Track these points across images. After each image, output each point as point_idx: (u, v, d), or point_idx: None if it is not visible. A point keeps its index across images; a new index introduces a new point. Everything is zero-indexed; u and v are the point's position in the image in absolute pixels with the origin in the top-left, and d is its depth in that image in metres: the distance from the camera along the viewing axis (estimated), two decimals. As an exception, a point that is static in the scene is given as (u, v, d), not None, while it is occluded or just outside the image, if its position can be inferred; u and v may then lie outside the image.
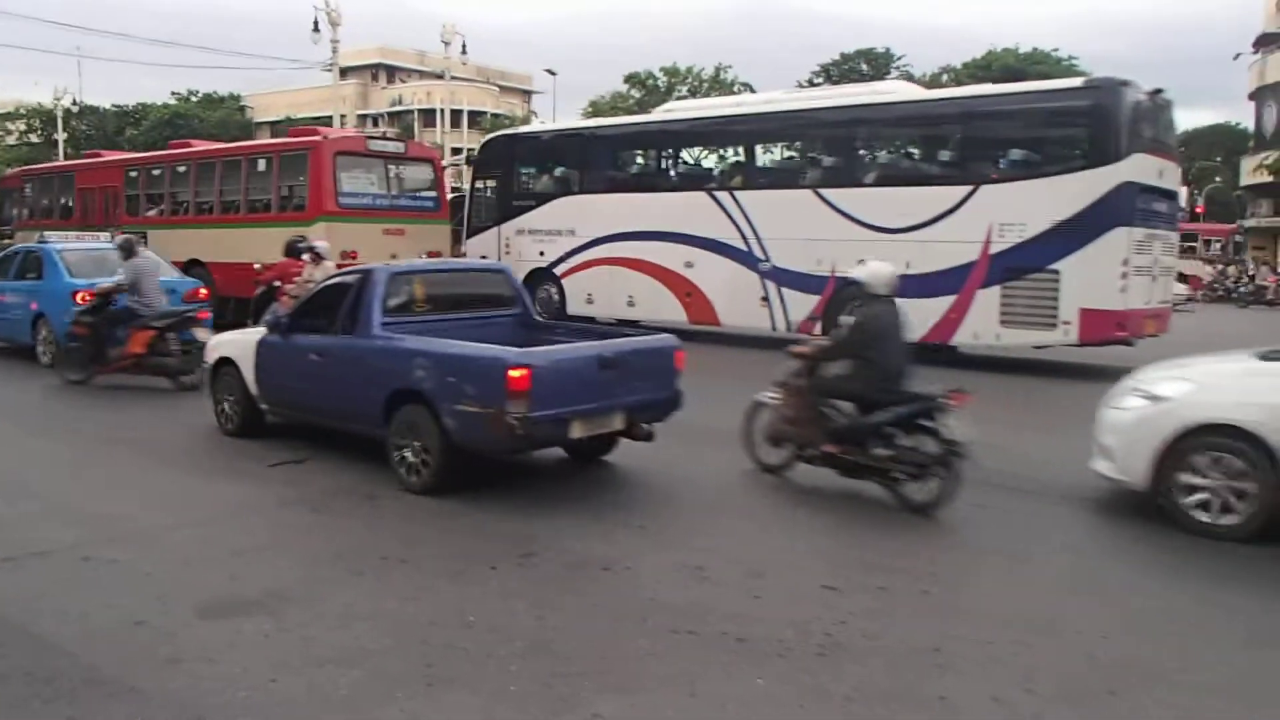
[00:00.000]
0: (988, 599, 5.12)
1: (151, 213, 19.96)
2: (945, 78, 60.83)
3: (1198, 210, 43.91)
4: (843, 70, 64.51)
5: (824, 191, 14.38)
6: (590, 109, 71.04)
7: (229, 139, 61.00)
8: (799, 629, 4.53)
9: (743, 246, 15.28)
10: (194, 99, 70.41)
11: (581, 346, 7.37)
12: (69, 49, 68.37)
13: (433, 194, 18.38)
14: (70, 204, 22.44)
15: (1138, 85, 12.79)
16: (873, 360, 6.74)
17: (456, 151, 46.48)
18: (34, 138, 67.84)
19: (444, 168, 18.94)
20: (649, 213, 16.37)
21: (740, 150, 16.73)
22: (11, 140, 69.92)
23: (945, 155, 14.17)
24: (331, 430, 8.12)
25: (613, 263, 16.78)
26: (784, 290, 14.94)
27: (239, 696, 3.85)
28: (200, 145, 21.81)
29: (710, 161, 17.34)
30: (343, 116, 43.36)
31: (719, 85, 70.48)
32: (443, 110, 59.29)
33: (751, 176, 16.01)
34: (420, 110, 69.65)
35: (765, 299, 15.15)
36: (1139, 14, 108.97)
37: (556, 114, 62.53)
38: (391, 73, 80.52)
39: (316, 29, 34.35)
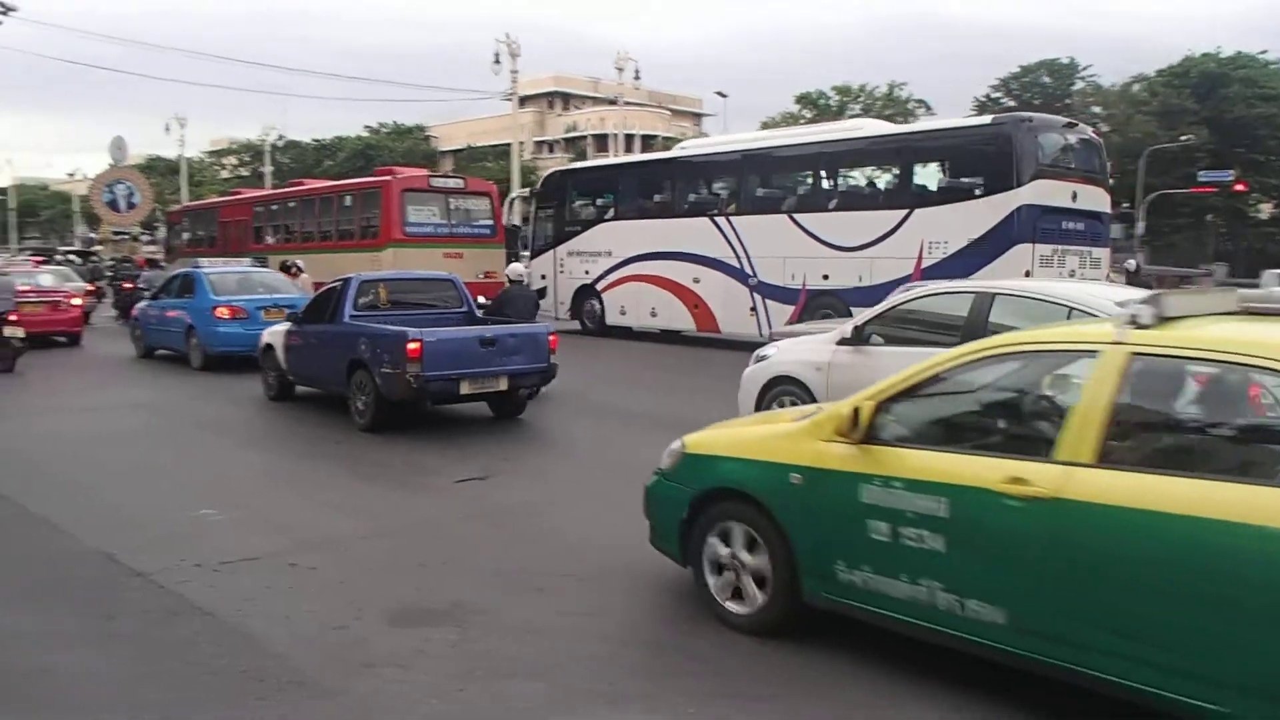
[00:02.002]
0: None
1: (271, 240, 23.85)
2: (1137, 87, 57.51)
3: None
4: (1023, 83, 62.00)
5: (796, 216, 16.77)
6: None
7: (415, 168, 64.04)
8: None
9: (736, 264, 17.62)
10: (384, 130, 74.53)
11: (468, 329, 10.49)
12: (275, 88, 73.56)
13: (489, 222, 21.42)
14: (214, 235, 26.63)
15: (1047, 121, 15.80)
16: (509, 315, 11.65)
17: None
18: (244, 171, 73.42)
19: (500, 199, 22.12)
20: (666, 236, 18.96)
21: (733, 181, 18.84)
22: (225, 174, 75.88)
23: (888, 184, 16.86)
24: (508, 451, 8.49)
25: (639, 279, 19.45)
26: (768, 301, 17.07)
27: (428, 704, 4.01)
28: (310, 184, 26.19)
29: (712, 191, 19.37)
30: (521, 143, 44.89)
31: (892, 103, 69.05)
32: (615, 135, 60.56)
33: (742, 204, 18.14)
34: (594, 135, 71.34)
35: (754, 309, 17.36)
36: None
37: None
38: (567, 100, 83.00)
39: (497, 61, 35.70)
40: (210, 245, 25.81)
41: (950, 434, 4.48)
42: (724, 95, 55.58)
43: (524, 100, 52.94)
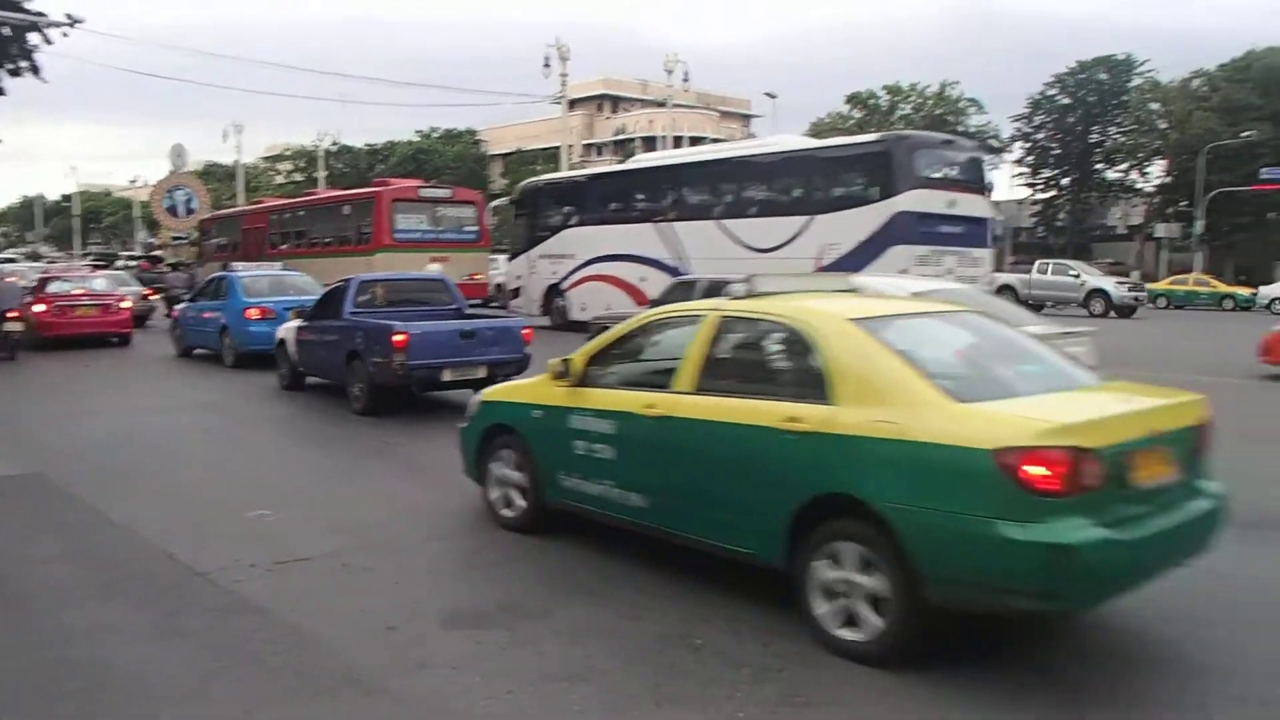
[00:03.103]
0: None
1: (284, 246, 25.64)
2: (1197, 83, 56.20)
3: None
4: (1079, 80, 60.90)
5: (724, 222, 18.92)
6: (811, 132, 70.62)
7: (465, 171, 64.69)
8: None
9: (676, 264, 19.43)
10: (435, 135, 75.31)
11: (451, 323, 11.56)
12: (332, 94, 74.79)
13: (475, 228, 23.45)
14: (238, 240, 28.55)
15: (925, 138, 18.75)
16: None
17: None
18: (298, 176, 74.64)
19: (501, 205, 24.61)
20: (620, 240, 21.09)
21: (673, 191, 20.84)
22: (280, 179, 77.17)
23: (795, 193, 18.51)
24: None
25: (598, 279, 21.44)
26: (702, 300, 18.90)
27: (480, 704, 4.06)
28: (319, 194, 28.83)
29: (656, 200, 21.19)
30: (570, 147, 45.10)
31: (944, 102, 68.28)
32: (664, 137, 60.65)
33: (680, 211, 20.30)
34: (642, 138, 71.45)
35: None
36: None
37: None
38: (615, 102, 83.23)
39: (547, 64, 35.92)
40: (234, 250, 27.64)
41: (623, 376, 5.99)
42: (773, 96, 55.42)
43: (573, 103, 53.20)
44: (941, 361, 4.90)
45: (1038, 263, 36.14)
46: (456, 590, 5.53)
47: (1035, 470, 3.95)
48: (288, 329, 13.35)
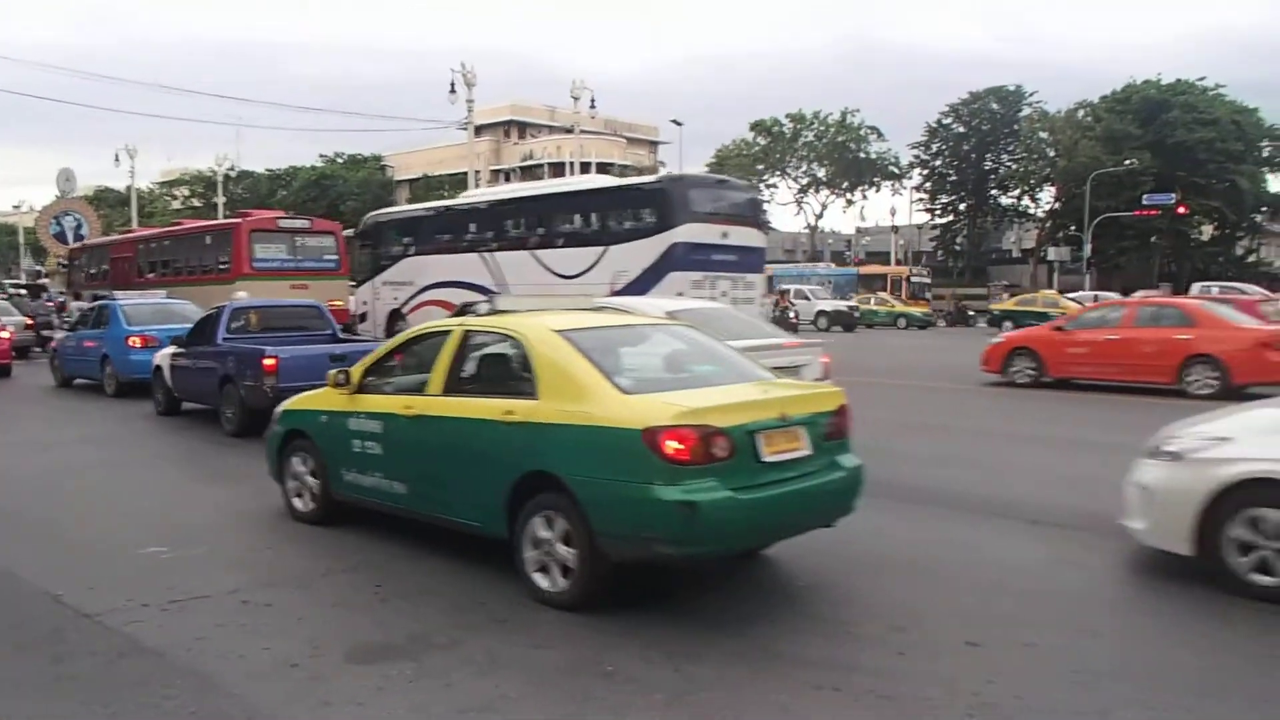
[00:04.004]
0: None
1: (151, 275, 26.26)
2: (1082, 113, 58.80)
3: None
4: (972, 109, 63.17)
5: (536, 252, 20.80)
6: (716, 159, 71.64)
7: (371, 198, 63.83)
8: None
9: (498, 290, 20.28)
10: (339, 161, 74.11)
11: (320, 347, 12.15)
12: (229, 118, 72.98)
13: (335, 257, 24.45)
14: (108, 269, 28.98)
15: (699, 178, 21.63)
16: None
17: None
18: (196, 202, 72.53)
19: (344, 236, 25.53)
20: (450, 268, 22.74)
21: (494, 224, 22.55)
22: (177, 205, 74.89)
23: (594, 226, 20.32)
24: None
25: (432, 304, 22.68)
26: None
27: (387, 741, 3.94)
28: (188, 224, 29.45)
29: (480, 232, 22.84)
30: (476, 172, 44.85)
31: (845, 129, 70.03)
32: (572, 163, 60.81)
33: (500, 242, 22.02)
34: (550, 164, 71.53)
35: None
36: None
37: (683, 163, 63.20)
38: (523, 129, 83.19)
39: (453, 90, 35.71)
40: (104, 279, 28.22)
41: (391, 383, 6.98)
42: (679, 123, 56.17)
43: (480, 129, 53.02)
44: (625, 363, 5.98)
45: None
46: (362, 623, 5.37)
47: (672, 444, 4.97)
48: (163, 355, 13.80)
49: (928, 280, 51.90)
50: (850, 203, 72.92)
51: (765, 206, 20.67)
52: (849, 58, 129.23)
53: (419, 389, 6.51)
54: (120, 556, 6.70)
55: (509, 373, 6.09)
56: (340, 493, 7.19)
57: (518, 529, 5.65)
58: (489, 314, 6.72)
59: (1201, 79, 56.85)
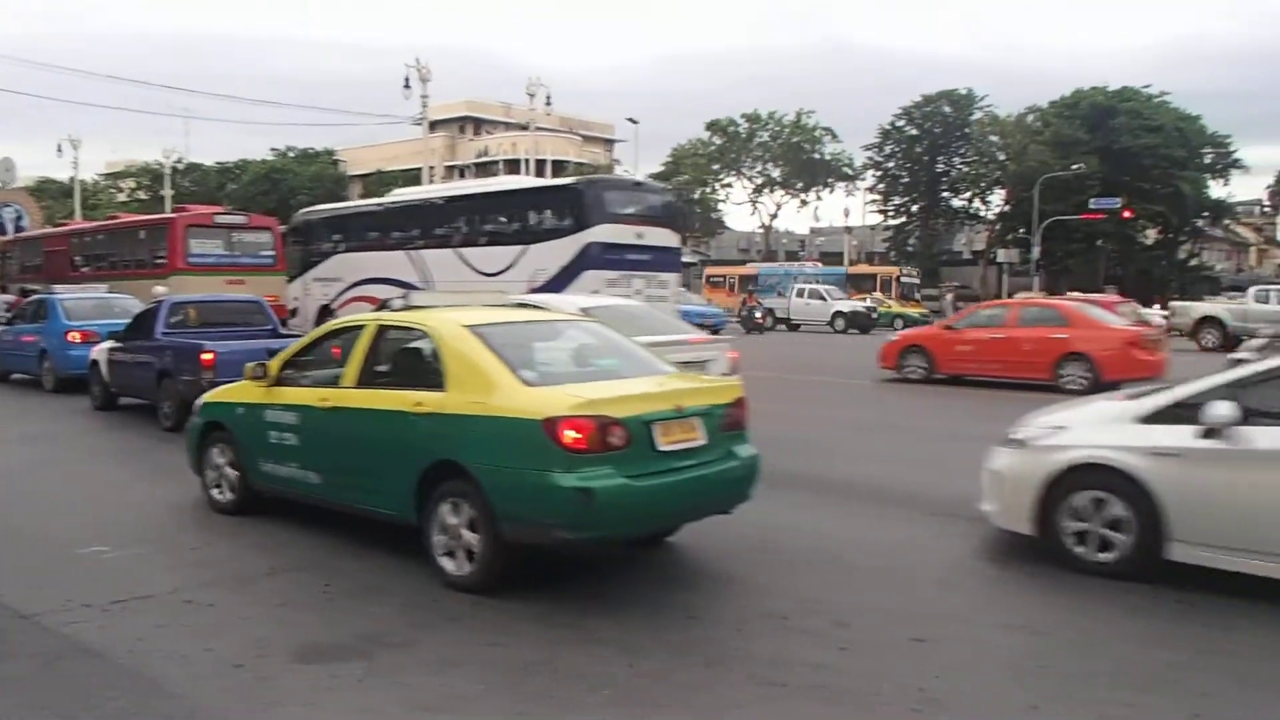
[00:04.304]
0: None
1: (86, 269, 25.85)
2: (1031, 118, 59.75)
3: None
4: (924, 112, 63.89)
5: (460, 250, 20.92)
6: (672, 158, 71.72)
7: (323, 192, 63.05)
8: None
9: (424, 287, 20.13)
10: (290, 155, 73.06)
11: (257, 342, 11.82)
12: (178, 110, 71.83)
13: (271, 253, 24.24)
14: (40, 263, 28.43)
15: (614, 181, 22.90)
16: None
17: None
18: (143, 195, 71.10)
19: (281, 232, 25.37)
20: (379, 265, 22.77)
21: (419, 223, 22.72)
22: (122, 197, 73.35)
23: (514, 226, 20.71)
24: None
25: (360, 300, 22.43)
26: None
27: (335, 741, 3.89)
28: (124, 218, 29.33)
29: (406, 230, 23.05)
30: (431, 168, 44.48)
31: (800, 130, 70.48)
32: (527, 160, 60.57)
33: (427, 240, 22.08)
34: (505, 160, 71.07)
35: None
36: (1235, 45, 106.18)
37: (639, 162, 63.23)
38: (479, 125, 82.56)
39: (407, 85, 35.43)
40: (37, 272, 27.75)
41: (307, 376, 7.14)
42: (635, 121, 55.94)
43: (435, 125, 52.56)
44: (532, 357, 6.21)
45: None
46: (310, 623, 5.29)
47: (570, 434, 5.20)
48: (100, 350, 13.68)
49: (917, 281, 51.20)
50: (804, 203, 73.47)
51: (682, 208, 21.43)
52: (819, 58, 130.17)
53: (334, 382, 6.71)
54: (60, 556, 6.54)
55: (420, 366, 6.27)
56: (258, 483, 7.32)
57: (426, 515, 5.87)
58: (403, 309, 6.96)
59: (1147, 86, 58.11)
